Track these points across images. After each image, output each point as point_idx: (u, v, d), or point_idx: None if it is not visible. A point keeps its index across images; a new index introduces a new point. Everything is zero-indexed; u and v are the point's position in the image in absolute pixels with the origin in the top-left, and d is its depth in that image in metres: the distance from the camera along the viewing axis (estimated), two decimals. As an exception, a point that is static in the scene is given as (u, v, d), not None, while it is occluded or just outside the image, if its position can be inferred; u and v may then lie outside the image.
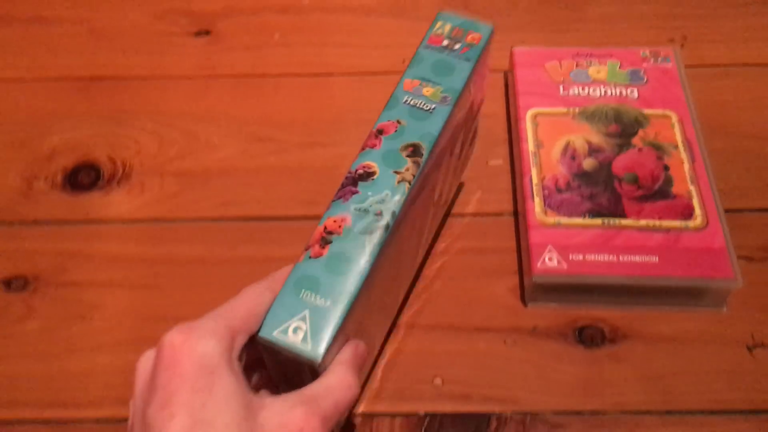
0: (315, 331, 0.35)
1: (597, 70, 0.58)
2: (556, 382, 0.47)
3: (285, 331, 0.35)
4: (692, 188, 0.51)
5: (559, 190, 0.52)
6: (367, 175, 0.40)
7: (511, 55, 0.60)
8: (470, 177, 0.57)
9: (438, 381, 0.48)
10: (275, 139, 0.60)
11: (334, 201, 0.39)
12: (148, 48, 0.66)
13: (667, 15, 0.67)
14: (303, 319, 0.35)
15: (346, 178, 0.40)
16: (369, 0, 0.69)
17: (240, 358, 0.34)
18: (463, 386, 0.47)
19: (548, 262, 0.49)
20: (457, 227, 0.55)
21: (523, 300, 0.51)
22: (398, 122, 0.41)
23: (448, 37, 0.45)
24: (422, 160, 0.40)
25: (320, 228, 0.38)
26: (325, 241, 0.37)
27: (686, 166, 0.52)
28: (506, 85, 0.62)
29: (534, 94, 0.57)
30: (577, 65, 0.58)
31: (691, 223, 0.50)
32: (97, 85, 0.64)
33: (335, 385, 0.35)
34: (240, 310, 0.35)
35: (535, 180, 0.52)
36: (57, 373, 0.49)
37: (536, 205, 0.51)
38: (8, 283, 0.52)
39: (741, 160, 0.57)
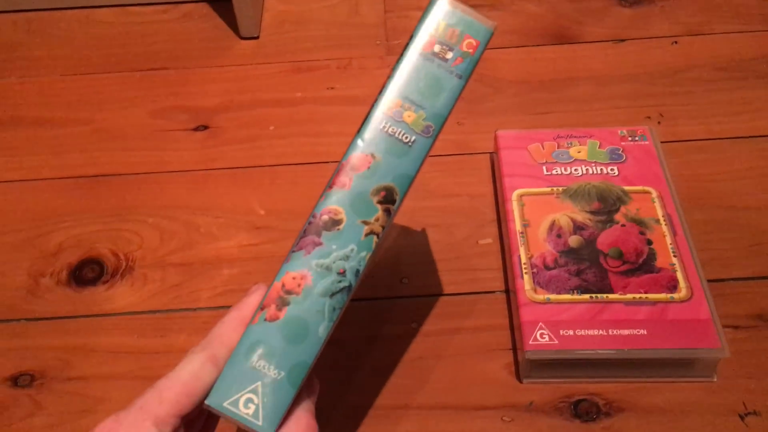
0: (267, 407, 0.34)
1: (578, 150, 0.61)
2: (555, 458, 0.48)
3: (236, 403, 0.34)
4: (675, 261, 0.53)
5: (547, 268, 0.54)
6: (333, 224, 0.36)
7: (496, 138, 0.63)
8: (461, 256, 0.59)
9: (438, 462, 0.48)
10: (273, 228, 0.62)
11: (294, 252, 0.36)
12: (148, 144, 0.69)
13: (644, 94, 0.70)
14: (255, 391, 0.34)
15: (310, 223, 0.36)
16: (357, 91, 0.73)
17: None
18: (463, 466, 0.48)
19: (540, 338, 0.50)
20: (450, 306, 0.56)
21: (518, 376, 0.52)
22: (372, 156, 0.37)
23: (441, 42, 0.37)
24: (394, 207, 0.37)
25: (277, 285, 0.36)
26: (282, 303, 0.35)
27: (668, 240, 0.54)
28: (492, 167, 0.65)
29: (519, 176, 0.60)
30: (558, 146, 0.61)
31: (676, 296, 0.51)
32: (101, 182, 0.66)
33: None
34: (172, 390, 0.34)
35: (523, 258, 0.54)
36: (63, 468, 0.49)
37: (526, 283, 0.53)
38: (15, 380, 0.54)
39: (721, 230, 0.59)
